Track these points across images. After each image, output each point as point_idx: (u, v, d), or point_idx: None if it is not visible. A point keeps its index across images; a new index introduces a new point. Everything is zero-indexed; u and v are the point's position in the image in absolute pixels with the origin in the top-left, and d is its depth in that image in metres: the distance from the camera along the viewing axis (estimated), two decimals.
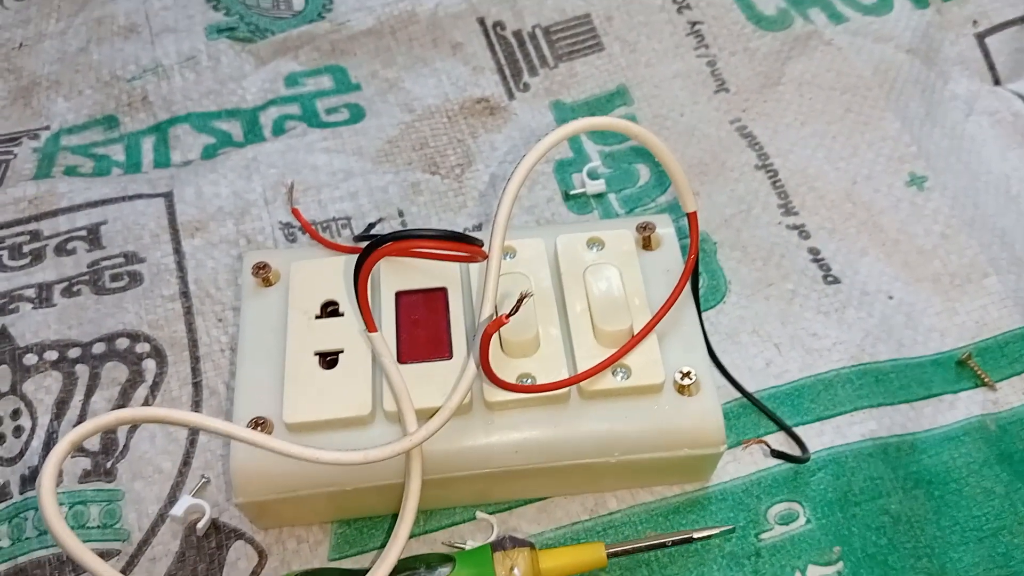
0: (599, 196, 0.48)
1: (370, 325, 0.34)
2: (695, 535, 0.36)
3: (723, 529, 0.37)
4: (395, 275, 0.38)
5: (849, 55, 0.52)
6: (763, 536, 0.37)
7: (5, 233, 0.46)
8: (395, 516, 0.36)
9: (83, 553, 0.29)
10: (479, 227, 0.47)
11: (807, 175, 0.48)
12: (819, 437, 0.40)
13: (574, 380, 0.35)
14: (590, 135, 0.50)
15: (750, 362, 0.42)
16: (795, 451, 0.39)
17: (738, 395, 0.41)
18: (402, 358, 0.36)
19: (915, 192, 0.47)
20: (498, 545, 0.35)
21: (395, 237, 0.32)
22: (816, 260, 0.45)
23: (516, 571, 0.34)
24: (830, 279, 0.44)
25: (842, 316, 0.43)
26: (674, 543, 0.36)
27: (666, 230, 0.40)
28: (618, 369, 0.36)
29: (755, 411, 0.40)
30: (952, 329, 0.43)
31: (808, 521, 0.38)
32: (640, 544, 0.36)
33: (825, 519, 0.38)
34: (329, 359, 0.37)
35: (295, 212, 0.44)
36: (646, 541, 0.36)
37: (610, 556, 0.35)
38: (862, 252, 0.45)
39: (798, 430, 0.40)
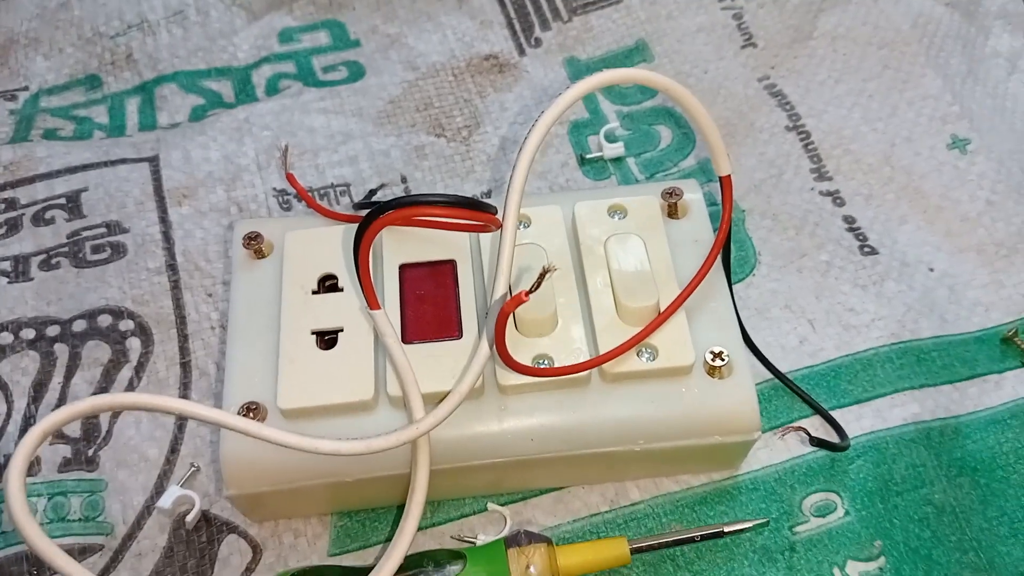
0: (617, 160, 0.45)
1: (372, 302, 0.32)
2: (726, 529, 0.34)
3: (756, 523, 0.34)
4: (399, 246, 0.35)
5: (886, 7, 0.49)
6: (798, 529, 0.35)
7: None
8: (400, 507, 0.34)
9: (55, 555, 0.27)
10: (488, 194, 0.45)
11: (842, 137, 0.45)
12: (858, 421, 0.37)
13: (596, 362, 0.32)
14: (607, 94, 0.47)
15: (782, 340, 0.39)
16: (832, 437, 0.36)
17: (770, 376, 0.38)
18: (407, 337, 0.34)
19: (958, 155, 0.45)
20: (512, 540, 0.32)
21: (400, 204, 0.29)
22: (852, 229, 0.42)
23: (532, 569, 0.31)
24: (867, 249, 0.42)
25: (881, 289, 0.41)
26: (703, 538, 0.33)
27: (694, 196, 0.38)
28: (643, 349, 0.33)
29: (788, 393, 0.38)
30: (998, 303, 0.41)
31: (847, 513, 0.35)
32: (666, 539, 0.33)
33: (865, 511, 0.35)
34: (327, 338, 0.34)
35: (290, 178, 0.41)
36: (672, 536, 0.33)
37: (634, 552, 0.33)
38: (901, 220, 0.43)
39: (835, 414, 0.37)
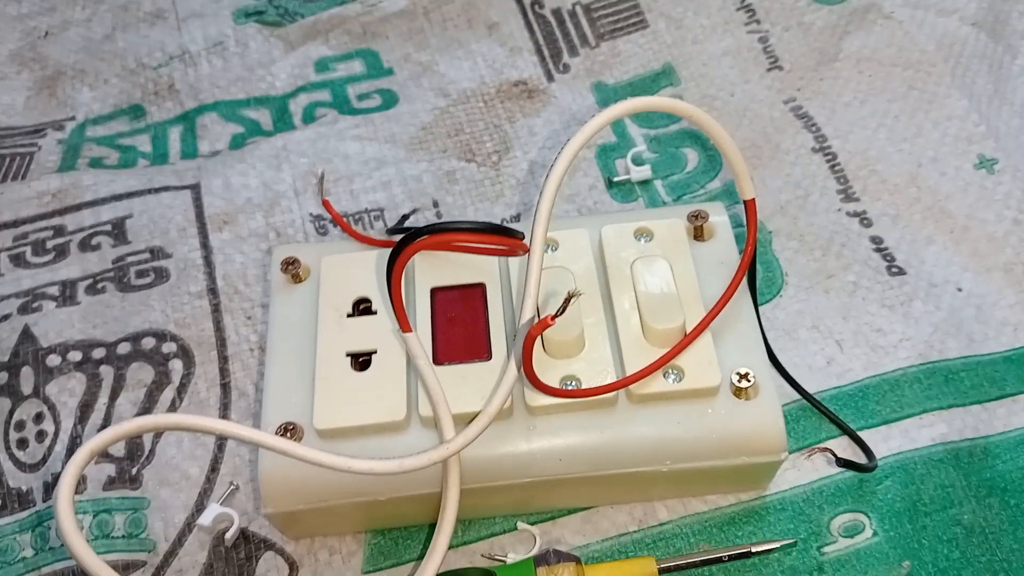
0: (645, 183, 0.46)
1: (404, 324, 0.32)
2: (754, 549, 0.34)
3: (784, 543, 0.34)
4: (430, 270, 0.36)
5: (911, 29, 0.49)
6: (826, 550, 0.35)
7: (28, 228, 0.45)
8: (432, 526, 0.35)
9: (102, 571, 0.28)
10: (517, 218, 0.45)
11: (868, 158, 0.45)
12: (886, 442, 0.37)
13: (622, 383, 0.33)
14: (635, 118, 0.48)
15: (809, 360, 0.40)
16: (860, 457, 0.36)
17: (797, 396, 0.38)
18: (438, 359, 0.34)
19: (984, 175, 0.45)
20: (541, 559, 0.33)
21: (431, 230, 0.30)
22: (879, 249, 0.43)
23: None
24: (894, 270, 0.42)
25: (908, 310, 0.41)
26: (731, 558, 0.34)
27: (720, 218, 0.38)
28: (670, 371, 0.34)
29: (816, 414, 0.38)
30: None
31: (875, 533, 0.35)
32: (694, 559, 0.34)
33: (893, 531, 0.35)
34: (362, 360, 0.35)
35: (326, 204, 0.42)
36: (700, 556, 0.34)
37: (662, 572, 0.33)
38: (928, 240, 0.43)
39: (863, 434, 0.37)
